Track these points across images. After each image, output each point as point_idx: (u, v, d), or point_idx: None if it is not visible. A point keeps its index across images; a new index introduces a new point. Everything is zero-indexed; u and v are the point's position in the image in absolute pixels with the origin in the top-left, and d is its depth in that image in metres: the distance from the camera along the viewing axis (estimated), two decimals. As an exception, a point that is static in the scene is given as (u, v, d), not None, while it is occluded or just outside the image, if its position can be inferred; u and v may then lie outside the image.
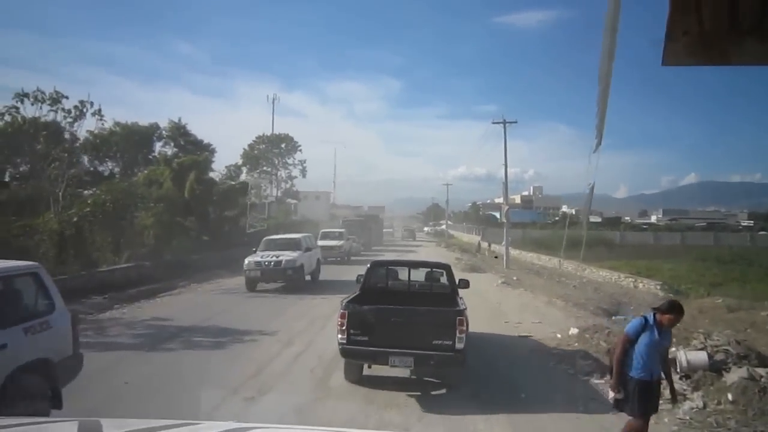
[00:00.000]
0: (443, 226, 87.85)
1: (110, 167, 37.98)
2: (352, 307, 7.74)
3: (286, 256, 17.71)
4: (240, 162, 63.52)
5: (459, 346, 7.22)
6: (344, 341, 7.50)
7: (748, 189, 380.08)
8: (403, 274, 10.35)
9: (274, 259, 17.63)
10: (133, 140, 37.24)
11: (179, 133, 43.32)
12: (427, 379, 7.98)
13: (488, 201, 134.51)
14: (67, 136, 23.57)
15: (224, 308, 14.39)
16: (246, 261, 17.85)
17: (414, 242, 60.74)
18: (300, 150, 68.12)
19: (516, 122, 32.82)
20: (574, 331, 10.62)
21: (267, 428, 2.22)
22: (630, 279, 23.33)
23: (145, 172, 34.76)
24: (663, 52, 1.86)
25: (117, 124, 37.63)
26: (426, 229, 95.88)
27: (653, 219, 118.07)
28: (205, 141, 41.75)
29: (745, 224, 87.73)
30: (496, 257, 36.61)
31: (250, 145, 66.62)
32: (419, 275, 10.35)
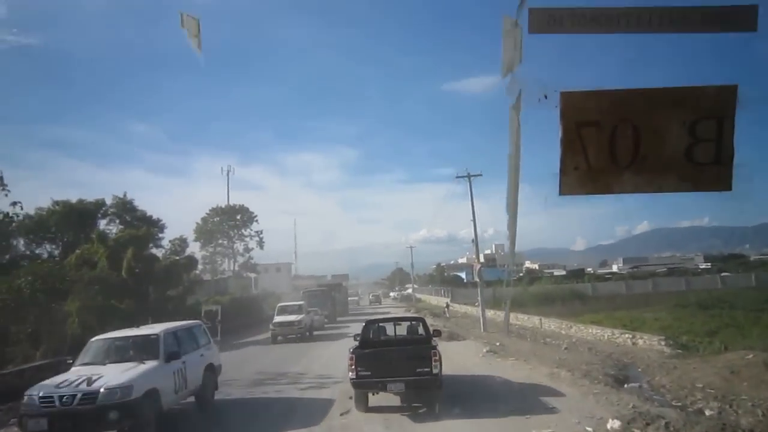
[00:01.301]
0: (409, 290, 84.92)
1: (48, 250, 34.83)
2: (359, 351, 11.06)
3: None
4: (193, 237, 60.25)
5: (435, 371, 10.25)
6: (354, 377, 10.49)
7: (698, 233, 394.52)
8: (389, 329, 13.40)
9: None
10: (74, 219, 33.67)
11: (125, 208, 40.51)
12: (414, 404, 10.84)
13: (452, 262, 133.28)
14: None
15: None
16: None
17: (382, 308, 57.64)
18: (256, 221, 64.57)
19: (481, 175, 31.14)
20: (614, 424, 7.85)
21: None
22: (626, 335, 20.95)
23: (78, 252, 31.29)
24: (559, 184, 2.35)
25: (56, 202, 34.47)
26: (392, 294, 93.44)
27: (614, 268, 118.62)
28: (155, 217, 38.96)
29: (703, 267, 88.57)
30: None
31: (203, 219, 63.17)
32: (402, 329, 13.33)
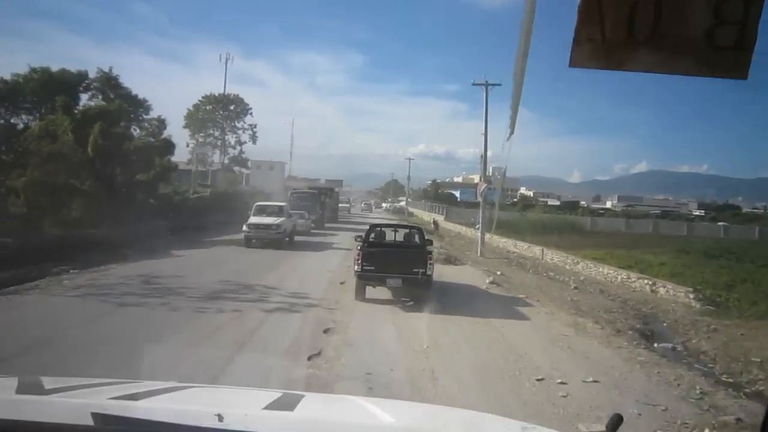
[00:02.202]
0: (402, 203, 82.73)
1: (25, 121, 31.83)
2: (365, 249, 12.52)
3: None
4: (183, 123, 56.80)
5: (429, 272, 12.12)
6: (359, 270, 12.08)
7: (695, 179, 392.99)
8: (389, 234, 15.16)
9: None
10: (53, 89, 30.18)
11: (109, 84, 37.11)
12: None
13: (447, 180, 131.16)
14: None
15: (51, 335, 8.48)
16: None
17: (372, 216, 55.59)
18: (251, 113, 60.99)
19: (500, 84, 27.47)
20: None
21: (198, 387, 2.46)
22: (645, 281, 18.58)
23: (42, 122, 28.04)
24: (570, 54, 2.08)
25: (34, 69, 30.81)
26: (384, 205, 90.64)
27: (608, 204, 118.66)
28: (141, 96, 35.49)
29: (697, 213, 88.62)
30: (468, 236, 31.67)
31: (195, 106, 58.95)
32: (400, 235, 15.03)
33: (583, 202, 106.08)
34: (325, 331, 9.01)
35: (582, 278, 21.04)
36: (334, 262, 18.89)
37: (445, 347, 8.45)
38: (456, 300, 12.66)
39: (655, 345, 11.39)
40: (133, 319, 9.42)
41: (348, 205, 69.95)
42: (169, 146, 27.25)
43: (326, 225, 38.46)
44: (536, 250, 28.96)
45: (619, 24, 2.09)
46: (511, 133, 2.62)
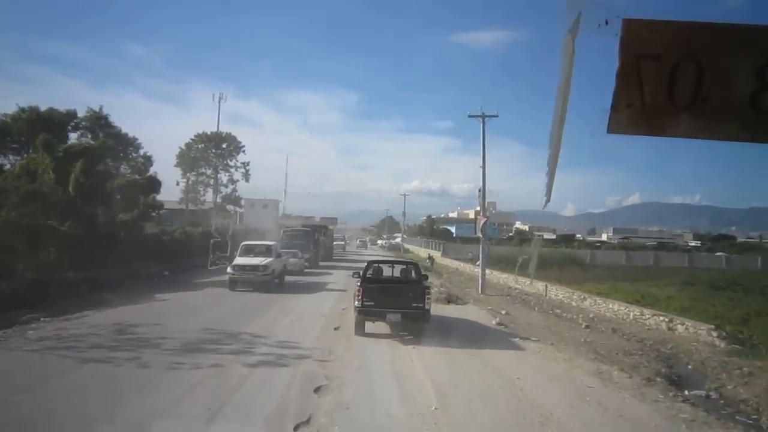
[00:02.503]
0: (398, 239, 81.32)
1: (12, 161, 30.73)
2: (365, 285, 12.78)
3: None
4: (174, 162, 55.62)
5: (427, 307, 12.49)
6: (359, 305, 12.43)
7: (689, 210, 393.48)
8: (387, 270, 14.97)
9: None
10: (40, 128, 29.59)
11: (99, 123, 36.63)
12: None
13: (442, 215, 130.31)
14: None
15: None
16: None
17: (367, 253, 54.52)
18: (243, 151, 59.03)
19: (497, 116, 26.80)
20: None
21: None
22: (661, 318, 17.33)
23: (23, 162, 27.17)
24: (608, 120, 2.14)
25: (22, 109, 30.54)
26: (380, 242, 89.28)
27: (604, 237, 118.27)
28: (132, 135, 34.93)
29: (693, 244, 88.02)
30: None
31: (187, 144, 57.76)
32: (397, 271, 15.17)
33: (578, 235, 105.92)
34: (317, 390, 7.76)
35: (591, 316, 19.80)
36: (328, 304, 17.63)
37: (456, 409, 7.20)
38: (462, 345, 11.42)
39: (686, 392, 10.15)
40: (92, 379, 8.11)
41: (343, 242, 68.44)
42: (154, 184, 26.19)
43: (321, 263, 37.18)
44: (539, 285, 27.74)
45: (659, 89, 2.09)
46: (547, 200, 2.58)
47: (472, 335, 12.88)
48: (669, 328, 16.54)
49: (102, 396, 7.23)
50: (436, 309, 14.79)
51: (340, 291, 20.33)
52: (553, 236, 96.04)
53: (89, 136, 34.25)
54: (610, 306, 20.60)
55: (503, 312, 18.06)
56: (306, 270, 30.57)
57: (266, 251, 22.50)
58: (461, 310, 17.42)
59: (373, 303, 12.34)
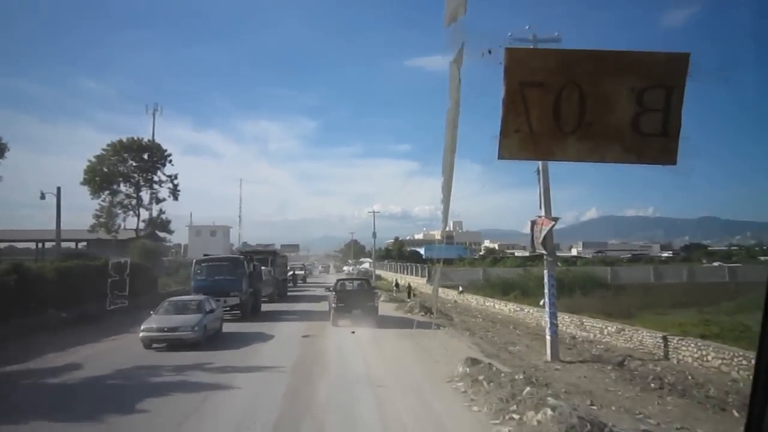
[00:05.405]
0: (366, 265, 75.23)
1: None
2: (337, 293, 21.98)
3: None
4: (81, 179, 42.68)
5: (376, 305, 22.22)
6: (335, 305, 21.11)
7: (644, 222, 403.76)
8: (349, 283, 25.59)
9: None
10: None
11: None
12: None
13: (408, 237, 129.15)
14: None
15: None
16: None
17: (331, 279, 46.75)
18: (170, 162, 46.24)
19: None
20: None
21: None
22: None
23: None
24: (498, 146, 2.18)
25: None
26: (345, 268, 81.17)
27: (574, 252, 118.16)
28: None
29: (666, 255, 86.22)
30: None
31: (98, 157, 43.31)
32: (354, 284, 25.56)
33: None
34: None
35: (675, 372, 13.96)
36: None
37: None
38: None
39: None
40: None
41: (303, 272, 58.53)
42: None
43: (267, 307, 27.66)
44: (568, 320, 21.84)
45: (545, 115, 2.20)
46: (444, 226, 2.65)
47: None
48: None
49: None
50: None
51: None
52: (527, 253, 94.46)
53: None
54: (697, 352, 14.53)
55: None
56: (240, 321, 22.37)
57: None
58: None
59: (343, 304, 21.06)
